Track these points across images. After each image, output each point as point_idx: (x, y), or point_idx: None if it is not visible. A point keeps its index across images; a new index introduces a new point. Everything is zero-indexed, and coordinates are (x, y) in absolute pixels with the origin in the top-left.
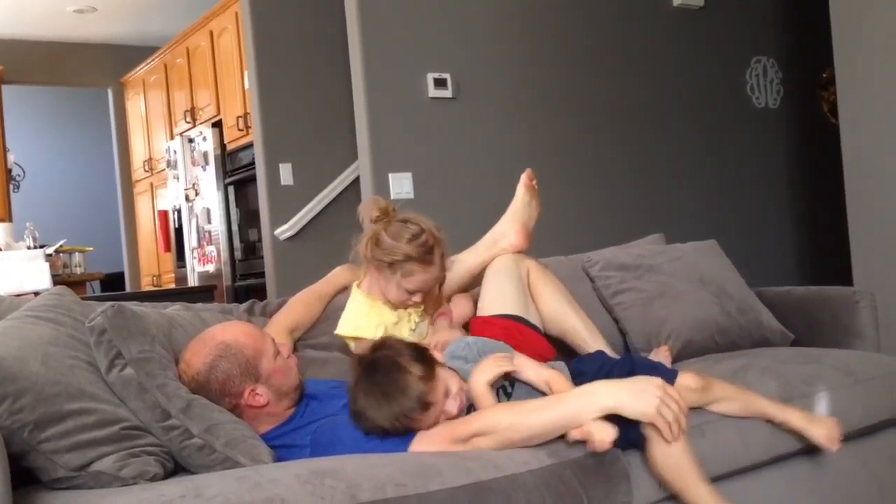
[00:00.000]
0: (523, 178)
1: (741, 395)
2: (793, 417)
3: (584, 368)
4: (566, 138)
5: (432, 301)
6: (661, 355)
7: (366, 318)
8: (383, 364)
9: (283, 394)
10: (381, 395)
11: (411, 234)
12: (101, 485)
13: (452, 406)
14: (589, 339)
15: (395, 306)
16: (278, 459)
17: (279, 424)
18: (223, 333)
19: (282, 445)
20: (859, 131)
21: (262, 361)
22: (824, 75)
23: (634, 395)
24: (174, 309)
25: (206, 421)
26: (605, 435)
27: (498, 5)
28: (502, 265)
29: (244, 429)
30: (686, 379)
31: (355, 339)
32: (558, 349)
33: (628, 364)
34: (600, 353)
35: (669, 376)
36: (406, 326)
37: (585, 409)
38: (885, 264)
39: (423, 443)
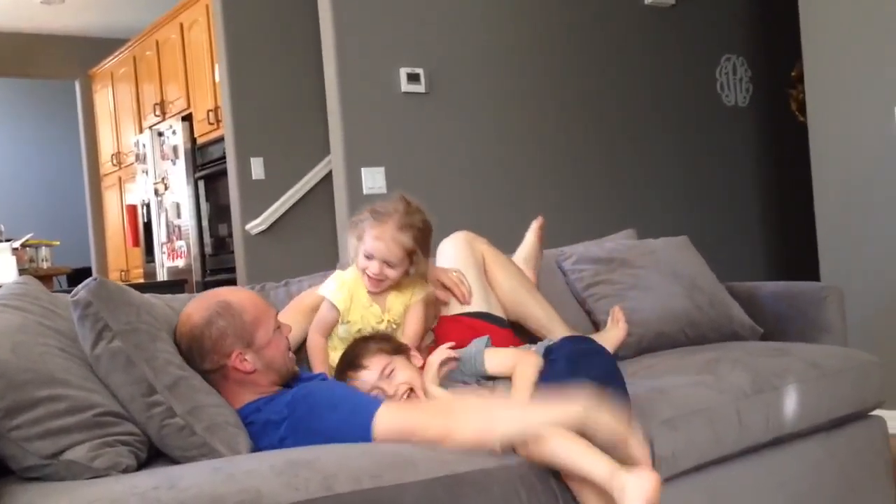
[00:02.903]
0: (535, 225)
1: None
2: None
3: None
4: (538, 134)
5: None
6: (616, 315)
7: (343, 284)
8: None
9: (273, 369)
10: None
11: (386, 201)
12: (73, 475)
13: (387, 385)
14: (547, 324)
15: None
16: (253, 434)
17: (262, 397)
18: (228, 294)
19: (258, 421)
20: (827, 129)
21: (260, 330)
22: (793, 73)
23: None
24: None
25: (190, 402)
26: None
27: (471, 2)
28: (458, 252)
29: (228, 414)
30: None
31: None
32: (518, 334)
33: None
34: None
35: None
36: (375, 313)
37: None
38: (851, 260)
39: (390, 409)
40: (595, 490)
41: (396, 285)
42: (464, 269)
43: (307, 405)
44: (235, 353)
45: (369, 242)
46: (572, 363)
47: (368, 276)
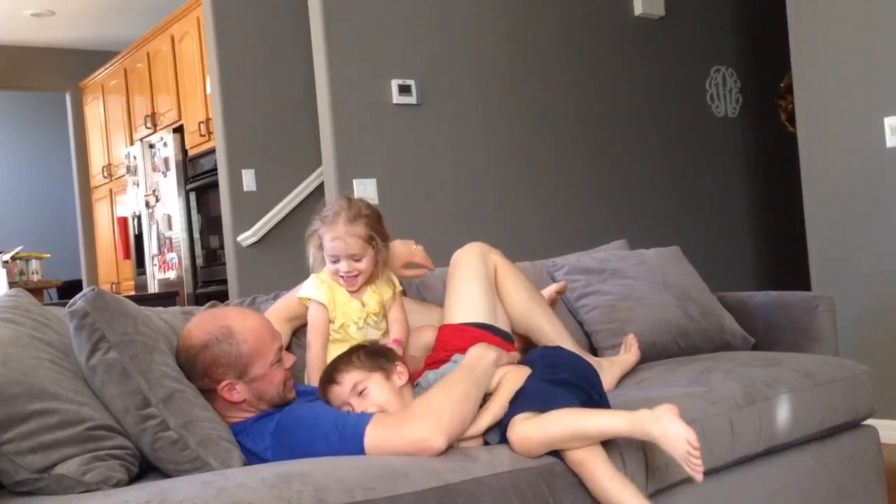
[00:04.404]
0: (557, 286)
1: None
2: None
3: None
4: (530, 146)
5: (384, 285)
6: (629, 342)
7: (322, 282)
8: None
9: (265, 400)
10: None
11: (328, 205)
12: (64, 489)
13: (356, 402)
14: (555, 338)
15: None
16: (243, 445)
17: (248, 418)
18: (234, 318)
19: (249, 432)
20: (816, 139)
21: (256, 363)
22: (782, 84)
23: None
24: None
25: (184, 415)
26: None
27: (462, 13)
28: (468, 263)
29: (221, 429)
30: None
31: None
32: (525, 347)
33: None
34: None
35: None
36: (355, 308)
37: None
38: (842, 269)
39: (378, 421)
40: (601, 469)
41: (371, 279)
42: (473, 281)
43: (292, 435)
44: (225, 383)
45: (329, 245)
46: (549, 366)
47: (342, 276)
